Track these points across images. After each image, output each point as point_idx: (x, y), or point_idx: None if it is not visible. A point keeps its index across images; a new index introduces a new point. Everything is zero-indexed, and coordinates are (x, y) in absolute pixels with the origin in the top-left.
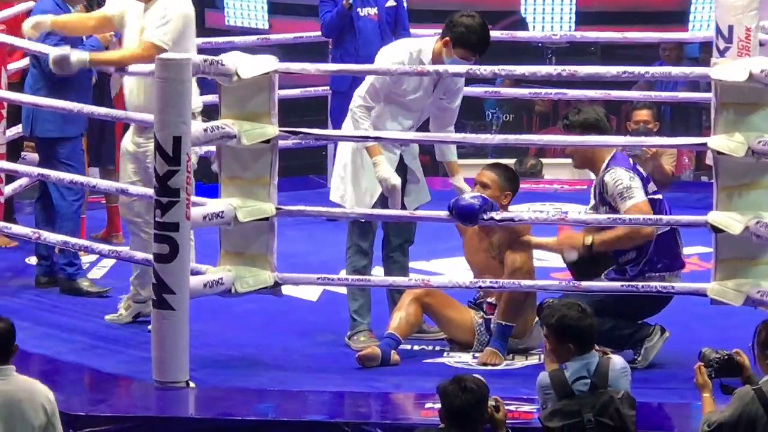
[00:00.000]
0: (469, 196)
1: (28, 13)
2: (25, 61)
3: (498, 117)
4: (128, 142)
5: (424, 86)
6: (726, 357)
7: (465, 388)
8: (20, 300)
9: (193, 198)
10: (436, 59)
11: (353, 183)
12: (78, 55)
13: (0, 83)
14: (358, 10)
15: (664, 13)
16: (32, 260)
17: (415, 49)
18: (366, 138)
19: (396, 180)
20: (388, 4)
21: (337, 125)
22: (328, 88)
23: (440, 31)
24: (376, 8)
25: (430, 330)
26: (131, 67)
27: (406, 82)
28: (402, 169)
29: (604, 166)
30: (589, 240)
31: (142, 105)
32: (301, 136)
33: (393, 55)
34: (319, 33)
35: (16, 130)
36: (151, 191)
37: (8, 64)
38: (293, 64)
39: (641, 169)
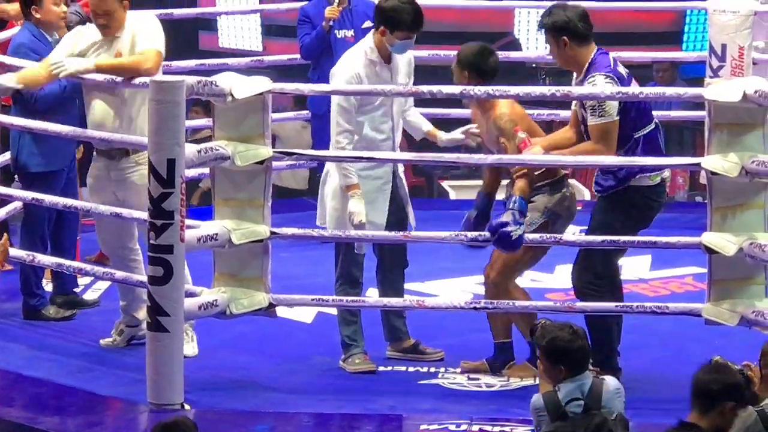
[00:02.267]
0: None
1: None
2: None
3: None
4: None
5: (386, 82)
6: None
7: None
8: (13, 323)
9: (187, 221)
10: (383, 52)
11: (343, 209)
12: (82, 65)
13: None
14: (336, 32)
15: (657, 33)
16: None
17: (360, 55)
18: (360, 158)
19: (364, 218)
20: (364, 26)
21: (319, 147)
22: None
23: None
24: (352, 30)
25: (427, 351)
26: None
27: (366, 78)
28: (396, 184)
29: (585, 68)
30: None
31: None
32: (294, 158)
33: (347, 71)
34: None
35: (8, 156)
36: (144, 215)
37: None
38: (287, 84)
39: (622, 69)
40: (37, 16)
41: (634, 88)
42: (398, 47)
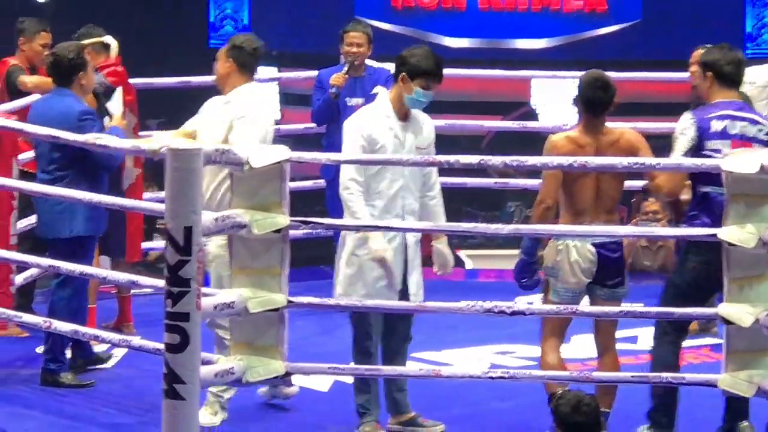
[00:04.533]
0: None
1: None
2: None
3: (521, 210)
4: (213, 246)
5: (397, 136)
6: None
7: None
8: (29, 389)
9: (203, 288)
10: (399, 108)
11: (357, 276)
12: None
13: (10, 172)
14: (346, 99)
15: (674, 104)
16: (42, 349)
17: (372, 111)
18: (375, 227)
19: (386, 254)
20: (373, 91)
21: (333, 213)
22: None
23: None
24: (363, 99)
25: (426, 424)
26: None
27: (380, 140)
28: (403, 252)
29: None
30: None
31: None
32: (311, 226)
33: (355, 127)
34: None
35: (28, 221)
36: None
37: (20, 154)
38: (305, 153)
39: (717, 125)
40: (83, 82)
41: (652, 159)
42: (417, 96)
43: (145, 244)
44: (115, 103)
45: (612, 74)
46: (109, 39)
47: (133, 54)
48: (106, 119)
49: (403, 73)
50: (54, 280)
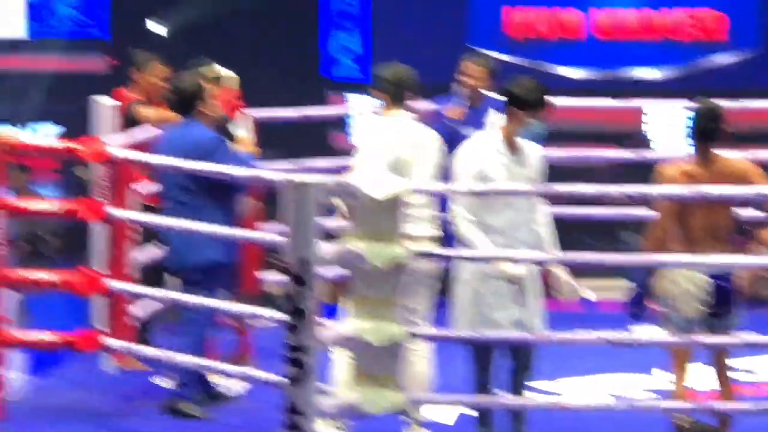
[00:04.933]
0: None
1: None
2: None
3: (633, 239)
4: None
5: (507, 167)
6: None
7: None
8: (151, 422)
9: (322, 320)
10: (508, 137)
11: (477, 305)
12: None
13: (128, 204)
14: (462, 130)
15: None
16: (159, 381)
17: (483, 141)
18: (492, 258)
19: (519, 270)
20: (486, 122)
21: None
22: None
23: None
24: (479, 131)
25: None
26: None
27: (490, 172)
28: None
29: None
30: None
31: None
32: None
33: (469, 160)
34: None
35: (150, 253)
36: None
37: (139, 185)
38: (422, 183)
39: None
40: (205, 112)
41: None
42: (525, 128)
43: (259, 275)
44: (242, 130)
45: (729, 104)
46: (225, 71)
47: (246, 84)
48: (234, 144)
49: (511, 105)
50: (177, 311)
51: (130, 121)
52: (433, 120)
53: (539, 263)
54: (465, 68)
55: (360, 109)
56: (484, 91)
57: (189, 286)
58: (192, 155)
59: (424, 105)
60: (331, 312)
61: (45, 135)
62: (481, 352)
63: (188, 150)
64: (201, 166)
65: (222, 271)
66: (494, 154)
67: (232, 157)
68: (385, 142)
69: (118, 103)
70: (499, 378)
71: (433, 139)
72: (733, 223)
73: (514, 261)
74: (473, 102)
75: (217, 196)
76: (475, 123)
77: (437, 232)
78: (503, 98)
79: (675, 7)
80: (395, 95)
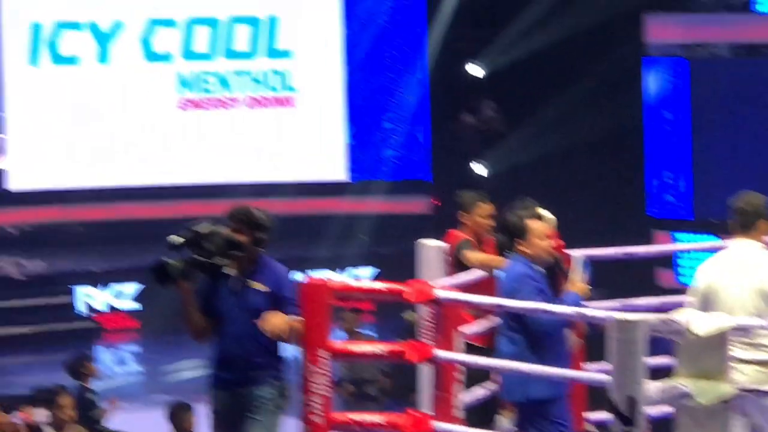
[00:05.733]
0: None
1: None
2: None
3: None
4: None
5: None
6: None
7: None
8: None
9: None
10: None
11: None
12: None
13: (453, 345)
14: None
15: None
16: None
17: None
18: None
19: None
20: None
21: None
22: None
23: None
24: None
25: None
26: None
27: None
28: None
29: None
30: None
31: None
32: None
33: None
34: None
35: (481, 392)
36: None
37: (465, 326)
38: (750, 320)
39: None
40: (526, 250)
41: None
42: None
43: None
44: (575, 272)
45: None
46: (543, 211)
47: (569, 224)
48: (568, 284)
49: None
50: None
51: (457, 262)
52: None
53: None
54: None
55: (696, 246)
56: None
57: (522, 422)
58: (506, 293)
59: None
60: None
61: (361, 278)
62: None
63: (504, 288)
64: (521, 304)
65: (549, 406)
66: None
67: (536, 296)
68: (722, 270)
69: (445, 245)
70: None
71: None
72: None
73: None
74: None
75: (528, 332)
76: None
77: None
78: None
79: None
80: (744, 223)
